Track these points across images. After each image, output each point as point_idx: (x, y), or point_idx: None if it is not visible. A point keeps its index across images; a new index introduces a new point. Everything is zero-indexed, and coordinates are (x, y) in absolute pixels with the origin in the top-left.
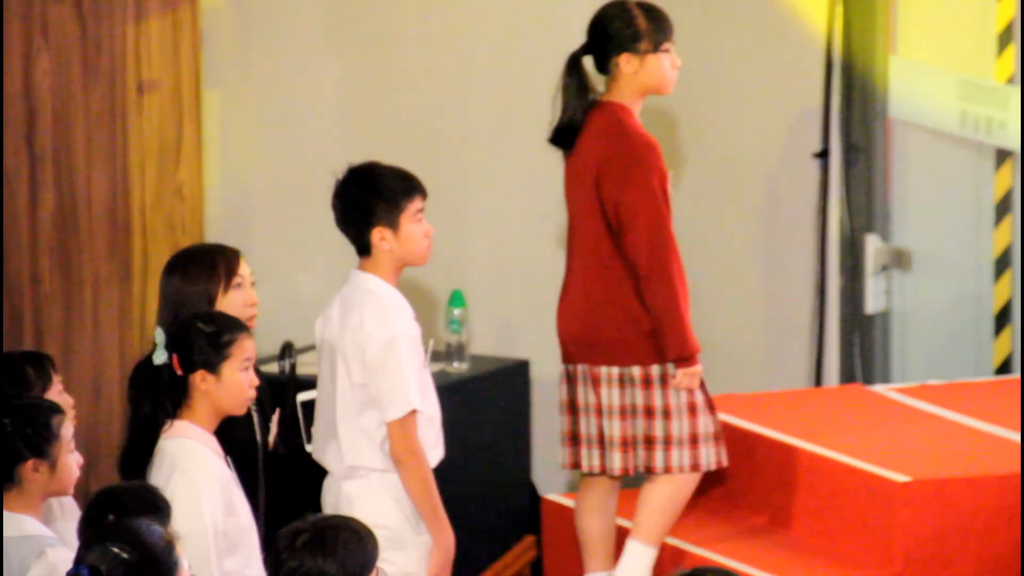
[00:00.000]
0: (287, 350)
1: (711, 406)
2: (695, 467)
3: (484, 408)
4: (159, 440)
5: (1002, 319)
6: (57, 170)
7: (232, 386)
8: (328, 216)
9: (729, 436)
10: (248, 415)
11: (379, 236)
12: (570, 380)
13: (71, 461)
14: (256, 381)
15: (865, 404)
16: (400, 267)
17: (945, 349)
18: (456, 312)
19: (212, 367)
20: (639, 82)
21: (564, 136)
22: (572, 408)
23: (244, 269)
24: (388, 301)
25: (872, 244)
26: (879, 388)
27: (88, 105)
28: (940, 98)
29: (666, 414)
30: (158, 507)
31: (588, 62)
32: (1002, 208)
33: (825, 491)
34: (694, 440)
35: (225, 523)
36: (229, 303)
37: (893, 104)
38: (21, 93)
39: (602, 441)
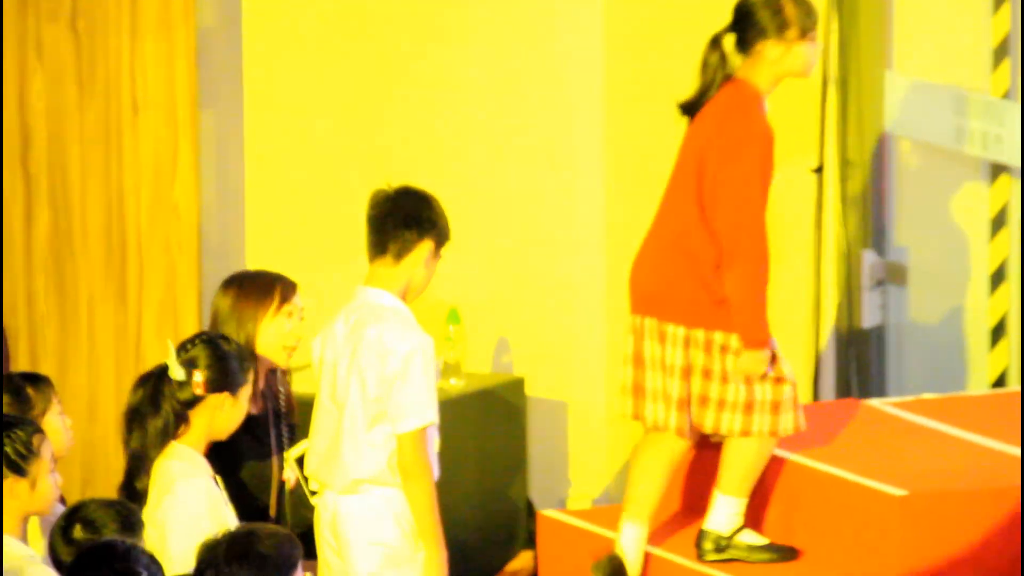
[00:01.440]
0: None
1: (778, 378)
2: (745, 432)
3: (480, 425)
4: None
5: (998, 332)
6: (52, 189)
7: (241, 413)
8: (326, 235)
9: None
10: (268, 451)
11: (427, 250)
12: (637, 333)
13: (51, 481)
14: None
15: (861, 418)
16: (406, 293)
17: (941, 363)
18: (452, 329)
19: (235, 390)
20: (781, 68)
21: (693, 107)
22: (637, 361)
23: (299, 300)
24: (406, 315)
25: (868, 259)
26: (875, 402)
27: (83, 124)
28: (936, 113)
29: (723, 379)
30: (132, 524)
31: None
32: (998, 222)
33: (822, 505)
34: (749, 407)
35: None
36: (275, 327)
37: (889, 119)
38: (16, 112)
39: (667, 397)
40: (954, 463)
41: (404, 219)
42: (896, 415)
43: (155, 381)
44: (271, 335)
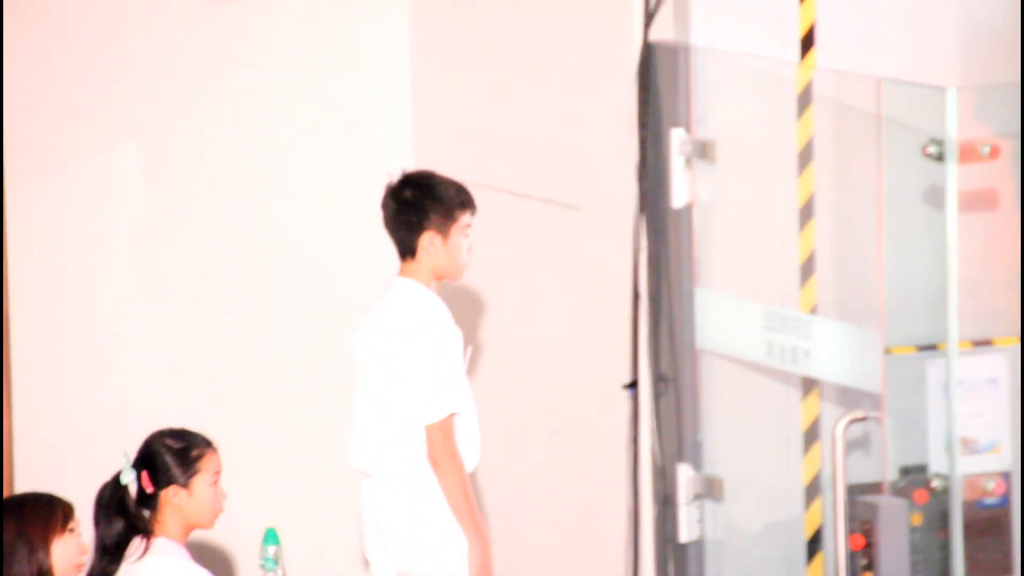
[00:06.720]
0: None
1: None
2: None
3: None
4: (129, 558)
5: (814, 545)
6: None
7: (203, 500)
8: None
9: None
10: None
11: (428, 241)
12: None
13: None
14: (226, 495)
15: None
16: (440, 277)
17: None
18: (271, 550)
19: (183, 482)
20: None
21: None
22: None
23: (77, 519)
24: (432, 306)
25: (684, 473)
26: None
27: None
28: (746, 328)
29: None
30: None
31: None
32: (810, 436)
33: None
34: None
35: None
36: (63, 548)
37: (700, 334)
38: None
39: None
40: None
41: (400, 221)
42: None
43: (112, 487)
44: (61, 557)
